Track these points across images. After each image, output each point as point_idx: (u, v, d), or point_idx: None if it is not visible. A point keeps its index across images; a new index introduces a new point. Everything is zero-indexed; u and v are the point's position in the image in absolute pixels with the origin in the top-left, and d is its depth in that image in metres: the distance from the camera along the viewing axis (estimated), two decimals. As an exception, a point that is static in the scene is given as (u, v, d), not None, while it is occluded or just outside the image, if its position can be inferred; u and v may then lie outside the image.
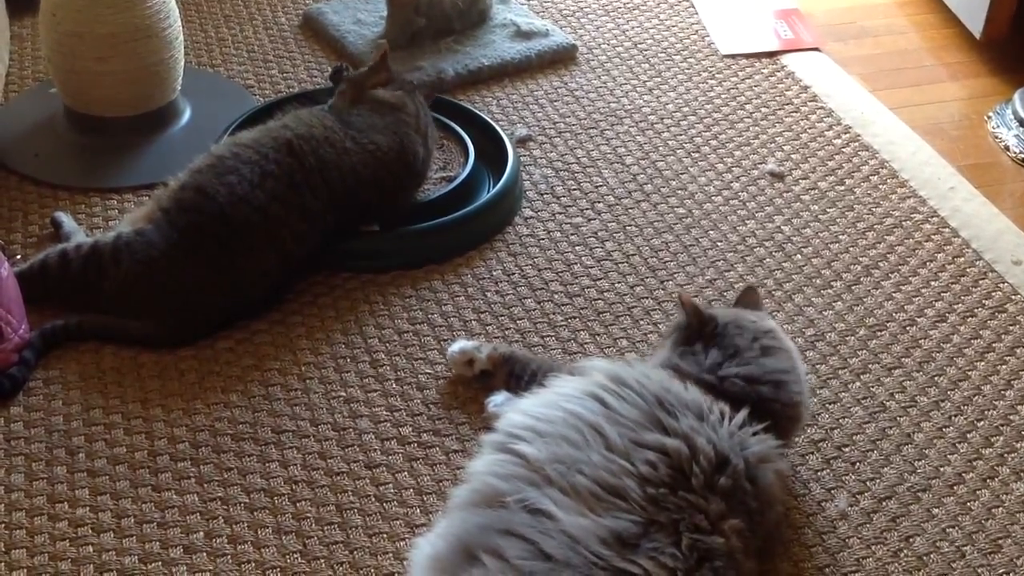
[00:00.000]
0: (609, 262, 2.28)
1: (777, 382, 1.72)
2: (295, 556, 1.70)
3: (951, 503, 1.83)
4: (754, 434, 1.62)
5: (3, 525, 1.72)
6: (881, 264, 2.31)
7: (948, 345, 2.12)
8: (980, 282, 2.27)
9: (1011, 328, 2.17)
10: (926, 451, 1.91)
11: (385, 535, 1.73)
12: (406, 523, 1.75)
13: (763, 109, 2.75)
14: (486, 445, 1.63)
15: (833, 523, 1.79)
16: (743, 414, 1.64)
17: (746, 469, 1.57)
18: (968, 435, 1.95)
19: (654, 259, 2.29)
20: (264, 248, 2.06)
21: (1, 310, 1.92)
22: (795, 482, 1.84)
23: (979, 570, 1.73)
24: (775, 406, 1.70)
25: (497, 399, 1.88)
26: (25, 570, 1.66)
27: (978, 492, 1.85)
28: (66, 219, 2.24)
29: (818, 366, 2.06)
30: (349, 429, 1.90)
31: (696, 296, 2.19)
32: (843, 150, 2.63)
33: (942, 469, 1.89)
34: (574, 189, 2.47)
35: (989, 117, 2.79)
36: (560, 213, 2.40)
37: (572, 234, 2.35)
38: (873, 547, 1.76)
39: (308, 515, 1.76)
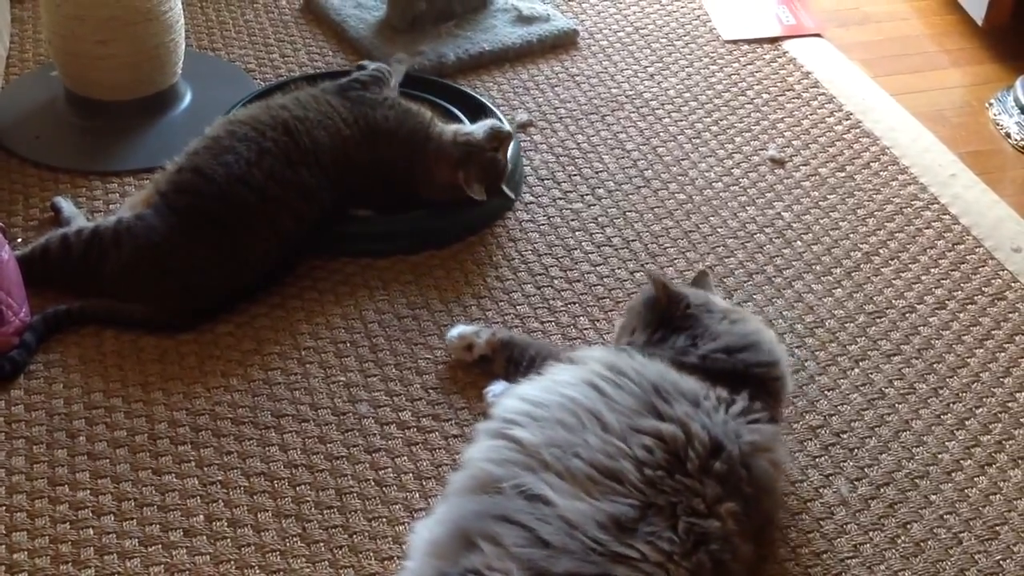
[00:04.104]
0: (609, 248, 2.28)
1: (753, 344, 1.74)
2: (294, 539, 1.70)
3: (949, 490, 1.84)
4: (751, 422, 1.63)
5: (4, 507, 1.73)
6: (881, 251, 2.31)
7: (947, 332, 2.13)
8: (980, 269, 2.27)
9: (1010, 315, 2.17)
10: (924, 438, 1.92)
11: (384, 519, 1.74)
12: (405, 507, 1.76)
13: (764, 95, 2.75)
14: (482, 432, 1.64)
15: (831, 509, 1.79)
16: (742, 402, 1.64)
17: (740, 456, 1.57)
18: (966, 422, 1.95)
19: (654, 245, 2.29)
20: (263, 227, 2.07)
21: (2, 293, 1.93)
22: (793, 468, 1.85)
23: (976, 556, 1.74)
24: (758, 370, 1.71)
25: (496, 388, 1.88)
26: (26, 552, 1.67)
27: (976, 479, 1.86)
28: (66, 204, 2.24)
29: (817, 352, 2.06)
30: (348, 414, 1.91)
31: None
32: (844, 136, 2.63)
33: (940, 456, 1.89)
34: (574, 175, 2.47)
35: (990, 104, 2.79)
36: (560, 199, 2.40)
37: (572, 219, 2.35)
38: (870, 533, 1.76)
39: (307, 499, 1.76)
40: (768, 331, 1.82)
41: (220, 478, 1.79)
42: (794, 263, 2.27)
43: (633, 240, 2.30)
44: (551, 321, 2.11)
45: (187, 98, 2.59)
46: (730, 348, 1.72)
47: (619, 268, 2.23)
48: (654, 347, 1.74)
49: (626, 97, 2.72)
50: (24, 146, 2.44)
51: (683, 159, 2.53)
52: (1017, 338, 2.12)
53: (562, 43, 2.88)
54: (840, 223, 2.37)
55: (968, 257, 2.30)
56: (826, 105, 2.72)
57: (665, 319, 1.78)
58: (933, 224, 2.38)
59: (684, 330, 1.75)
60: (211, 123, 2.21)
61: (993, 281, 2.25)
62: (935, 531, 1.77)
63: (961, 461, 1.88)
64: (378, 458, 1.83)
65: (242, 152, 2.07)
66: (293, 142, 2.11)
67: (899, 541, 1.75)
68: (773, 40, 2.96)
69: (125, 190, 2.34)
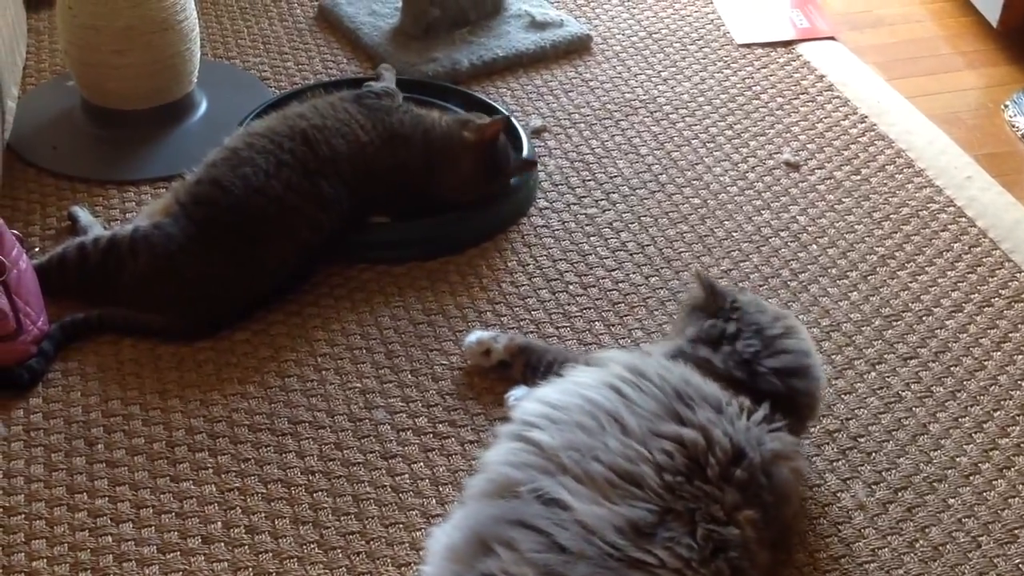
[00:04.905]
0: (624, 253, 2.28)
1: (805, 369, 1.73)
2: (312, 546, 1.71)
3: (967, 493, 1.83)
4: (772, 430, 1.62)
5: (23, 515, 1.74)
6: (897, 254, 2.30)
7: (964, 335, 2.12)
8: (996, 272, 2.27)
9: (1028, 318, 2.16)
10: (942, 441, 1.91)
11: (401, 525, 1.74)
12: (422, 513, 1.76)
13: (779, 99, 2.75)
14: (501, 435, 1.64)
15: (848, 513, 1.79)
16: (764, 410, 1.64)
17: (762, 464, 1.57)
18: (984, 425, 1.94)
19: (669, 250, 2.29)
20: (282, 238, 2.07)
21: (20, 302, 1.94)
22: (810, 472, 1.84)
23: (995, 560, 1.73)
24: (803, 399, 1.71)
25: (518, 393, 1.88)
26: (45, 560, 1.68)
27: (994, 482, 1.85)
28: (82, 213, 2.26)
29: (833, 356, 2.06)
30: (365, 420, 1.91)
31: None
32: (859, 139, 2.62)
33: (958, 459, 1.88)
34: (589, 180, 2.47)
35: (1006, 106, 2.78)
36: (575, 204, 2.40)
37: (587, 225, 2.35)
38: (889, 537, 1.76)
39: (325, 505, 1.77)
40: (814, 349, 1.81)
41: (238, 485, 1.79)
42: (809, 267, 2.27)
43: (648, 245, 2.30)
44: (566, 326, 2.11)
45: (203, 107, 2.60)
46: (785, 371, 1.70)
47: (634, 273, 2.23)
48: (704, 344, 1.73)
49: (640, 102, 2.72)
50: (41, 156, 2.45)
51: (697, 163, 2.53)
52: (1035, 340, 2.11)
53: (576, 48, 2.88)
54: (856, 226, 2.37)
55: (985, 260, 2.29)
56: (840, 108, 2.71)
57: (712, 314, 1.77)
58: (949, 227, 2.37)
59: (735, 330, 1.74)
60: (227, 131, 2.22)
61: (1010, 283, 2.24)
62: (954, 535, 1.77)
63: (979, 464, 1.88)
64: (395, 464, 1.84)
65: (260, 164, 2.08)
66: (311, 151, 2.12)
67: (917, 545, 1.75)
68: (787, 44, 2.96)
69: (142, 199, 2.36)
